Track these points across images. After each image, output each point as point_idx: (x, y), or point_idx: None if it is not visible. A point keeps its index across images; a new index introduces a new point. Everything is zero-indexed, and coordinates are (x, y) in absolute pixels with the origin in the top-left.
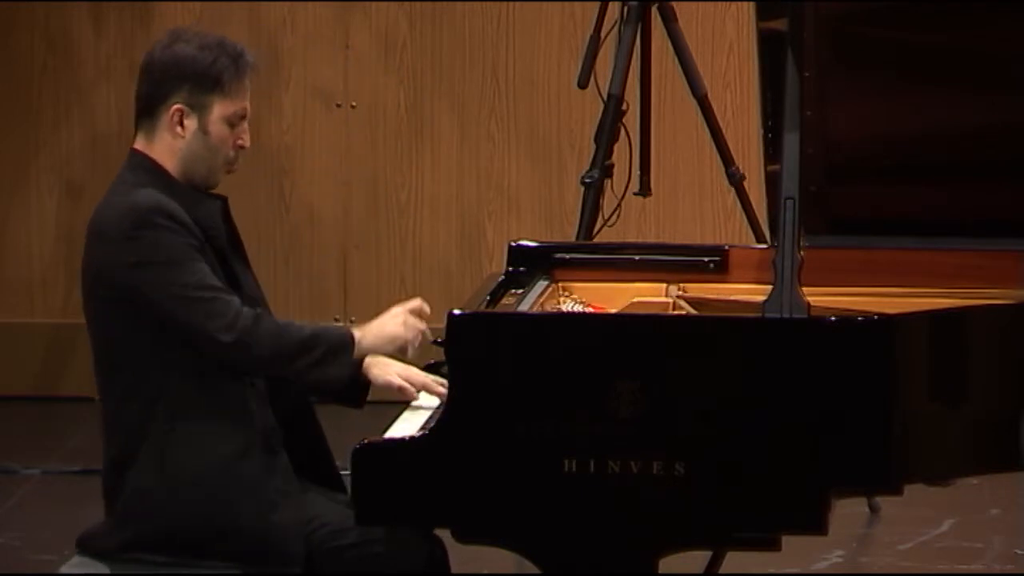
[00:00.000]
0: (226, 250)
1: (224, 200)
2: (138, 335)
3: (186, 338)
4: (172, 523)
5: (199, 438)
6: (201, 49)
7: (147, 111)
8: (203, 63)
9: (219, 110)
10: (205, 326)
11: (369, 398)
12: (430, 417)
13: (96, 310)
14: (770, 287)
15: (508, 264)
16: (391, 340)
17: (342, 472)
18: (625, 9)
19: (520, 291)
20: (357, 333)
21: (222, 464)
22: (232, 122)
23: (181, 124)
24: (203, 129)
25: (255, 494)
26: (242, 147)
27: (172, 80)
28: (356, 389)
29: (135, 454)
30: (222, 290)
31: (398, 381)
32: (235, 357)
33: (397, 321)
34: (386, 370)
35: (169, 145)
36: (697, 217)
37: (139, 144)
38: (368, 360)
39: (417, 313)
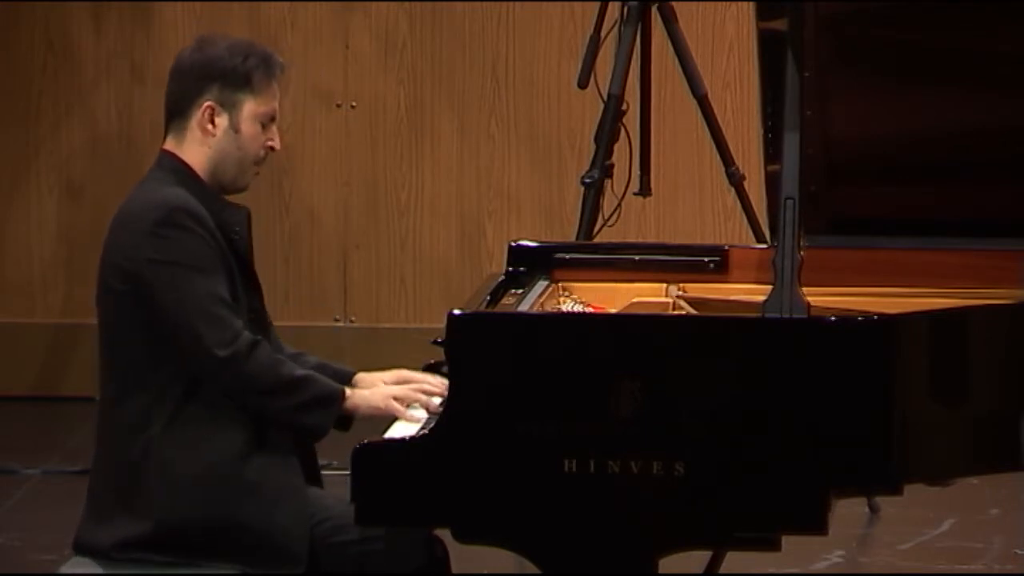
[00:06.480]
0: (247, 257)
1: (247, 212)
2: (143, 332)
3: (184, 345)
4: (172, 523)
5: (199, 438)
6: (231, 49)
7: (178, 111)
8: (233, 61)
9: (249, 108)
10: (205, 336)
11: None
12: (430, 417)
13: (106, 301)
14: (770, 287)
15: (508, 264)
16: (377, 410)
17: (342, 472)
18: (625, 9)
19: (520, 291)
20: (348, 392)
21: (222, 463)
22: (263, 122)
23: (212, 122)
24: (234, 127)
25: (256, 493)
26: (272, 148)
27: (203, 79)
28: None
29: (134, 453)
30: (230, 307)
31: (385, 404)
32: (224, 374)
33: (391, 391)
34: (371, 397)
35: (199, 144)
36: (697, 217)
37: (169, 145)
38: (357, 378)
39: (414, 395)
